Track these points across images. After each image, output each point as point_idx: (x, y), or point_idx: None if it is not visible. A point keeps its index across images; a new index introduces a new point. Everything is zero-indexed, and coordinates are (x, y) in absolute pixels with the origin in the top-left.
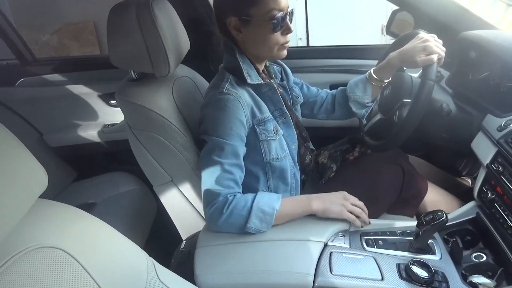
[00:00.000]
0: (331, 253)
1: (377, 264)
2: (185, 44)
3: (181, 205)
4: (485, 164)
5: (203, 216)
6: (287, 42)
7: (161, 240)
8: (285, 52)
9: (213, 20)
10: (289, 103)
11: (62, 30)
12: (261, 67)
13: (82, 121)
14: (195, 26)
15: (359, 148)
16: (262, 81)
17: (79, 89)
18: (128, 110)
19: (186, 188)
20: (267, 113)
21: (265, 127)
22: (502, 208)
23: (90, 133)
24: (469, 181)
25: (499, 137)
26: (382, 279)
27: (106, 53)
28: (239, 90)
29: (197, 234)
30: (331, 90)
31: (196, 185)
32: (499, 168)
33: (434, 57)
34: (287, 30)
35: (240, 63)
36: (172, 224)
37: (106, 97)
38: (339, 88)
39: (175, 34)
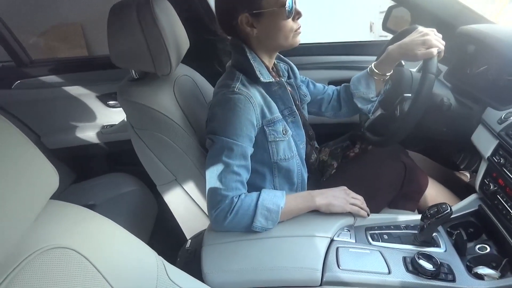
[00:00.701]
0: (337, 248)
1: (383, 257)
2: (185, 42)
3: (185, 204)
4: (486, 157)
5: (208, 214)
6: (299, 27)
7: (163, 240)
8: (299, 39)
9: (212, 19)
10: (297, 102)
11: (50, 32)
12: (271, 65)
13: (80, 122)
14: (194, 25)
15: (359, 145)
16: (273, 79)
17: (77, 91)
18: (130, 110)
19: (190, 186)
20: (277, 114)
21: (274, 128)
22: (504, 199)
23: (88, 134)
24: (467, 175)
25: (499, 129)
26: (389, 272)
27: (97, 54)
28: (250, 90)
29: (202, 232)
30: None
31: (200, 184)
32: (500, 160)
33: (434, 51)
34: (298, 15)
35: (252, 61)
36: (174, 224)
37: (104, 98)
38: (342, 84)
39: (175, 32)
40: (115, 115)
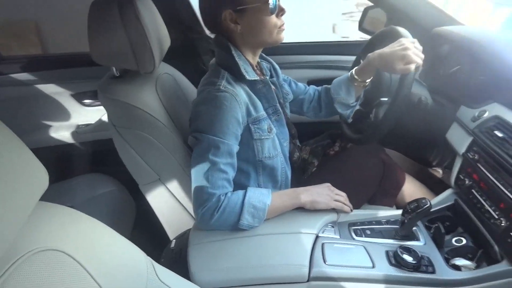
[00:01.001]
0: (323, 244)
1: (367, 252)
2: (167, 40)
3: (169, 203)
4: (461, 153)
5: (192, 214)
6: (283, 24)
7: (144, 242)
8: (284, 35)
9: (193, 17)
10: (281, 100)
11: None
12: (255, 63)
13: (54, 122)
14: (175, 23)
15: (339, 143)
16: (258, 78)
17: (50, 89)
18: (112, 108)
19: (174, 186)
20: (262, 112)
21: (260, 126)
22: (479, 193)
23: (63, 134)
24: (440, 171)
25: (473, 127)
26: (373, 266)
27: (65, 52)
28: (235, 88)
29: (187, 232)
30: (309, 86)
31: (185, 183)
32: (475, 156)
33: (412, 67)
34: (281, 11)
35: (236, 59)
36: (155, 225)
37: (79, 97)
38: (323, 86)
39: (157, 29)
40: (90, 114)
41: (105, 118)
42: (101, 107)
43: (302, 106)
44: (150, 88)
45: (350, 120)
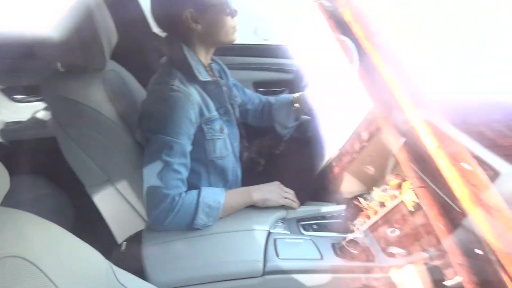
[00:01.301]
0: (275, 239)
1: (315, 245)
2: (114, 36)
3: (118, 205)
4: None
5: (142, 215)
6: (236, 25)
7: None
8: (236, 36)
9: (140, 15)
10: (231, 101)
11: None
12: (207, 63)
13: None
14: (121, 19)
15: (284, 143)
16: (211, 78)
17: None
18: (58, 106)
19: (124, 186)
20: (214, 112)
21: (212, 126)
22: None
23: None
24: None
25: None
26: (322, 258)
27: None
28: (188, 88)
29: (139, 233)
30: (254, 87)
31: (135, 184)
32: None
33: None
34: (235, 13)
35: (190, 60)
36: (96, 227)
37: (9, 91)
38: (268, 102)
39: (106, 24)
40: (22, 111)
41: (39, 115)
42: (34, 104)
43: (247, 115)
44: (98, 85)
45: (287, 137)
